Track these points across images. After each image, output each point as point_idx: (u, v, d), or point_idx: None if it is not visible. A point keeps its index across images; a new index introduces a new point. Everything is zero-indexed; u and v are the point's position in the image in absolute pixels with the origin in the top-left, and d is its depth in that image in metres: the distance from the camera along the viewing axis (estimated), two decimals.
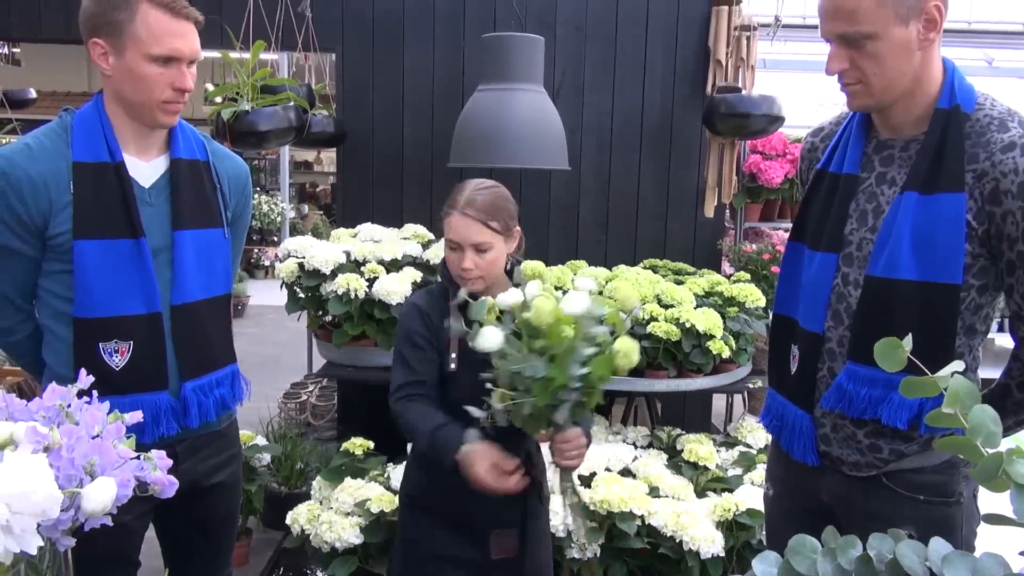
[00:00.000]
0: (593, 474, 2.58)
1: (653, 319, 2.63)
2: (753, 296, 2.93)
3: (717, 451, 2.84)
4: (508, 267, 1.74)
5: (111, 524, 0.95)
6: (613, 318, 1.44)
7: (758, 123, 3.23)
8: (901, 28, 1.25)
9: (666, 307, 2.70)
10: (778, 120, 3.27)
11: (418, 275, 2.94)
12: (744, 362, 2.88)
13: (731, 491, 2.58)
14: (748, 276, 3.29)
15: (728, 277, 3.25)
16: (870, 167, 1.39)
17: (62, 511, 0.86)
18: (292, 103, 3.02)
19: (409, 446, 1.82)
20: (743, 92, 3.34)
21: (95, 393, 1.04)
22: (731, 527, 2.43)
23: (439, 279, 1.78)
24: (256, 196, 10.19)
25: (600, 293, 1.57)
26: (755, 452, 2.89)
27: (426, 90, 3.64)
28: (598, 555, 2.40)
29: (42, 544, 0.83)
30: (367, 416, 3.21)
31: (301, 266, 2.94)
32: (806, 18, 4.94)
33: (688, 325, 2.64)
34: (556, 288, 2.86)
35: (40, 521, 0.81)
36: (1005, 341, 5.01)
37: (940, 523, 1.36)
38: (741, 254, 3.61)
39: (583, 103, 3.65)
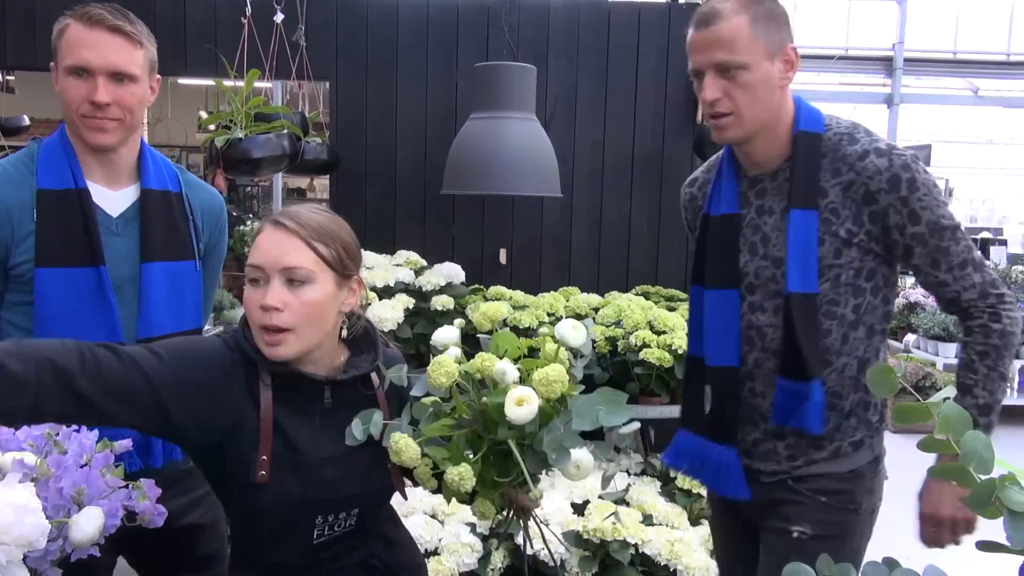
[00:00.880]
0: (587, 502, 2.56)
1: (646, 345, 2.63)
2: None
3: None
4: (351, 333, 1.28)
5: (98, 555, 0.93)
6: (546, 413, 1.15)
7: None
8: (768, 63, 1.39)
9: (659, 333, 2.70)
10: None
11: (411, 302, 2.93)
12: None
13: None
14: None
15: None
16: (747, 203, 1.50)
17: (49, 541, 0.85)
18: (286, 131, 3.04)
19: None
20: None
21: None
22: None
23: (234, 348, 1.20)
24: (249, 223, 10.20)
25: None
26: None
27: (419, 118, 3.67)
28: None
29: None
30: None
31: None
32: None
33: (681, 351, 2.64)
34: (547, 315, 2.87)
35: (27, 552, 0.80)
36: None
37: (837, 527, 1.48)
38: None
39: (575, 131, 3.68)
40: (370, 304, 2.84)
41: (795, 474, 1.50)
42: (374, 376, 1.25)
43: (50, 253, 1.43)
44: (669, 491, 2.76)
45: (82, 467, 0.94)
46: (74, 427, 1.02)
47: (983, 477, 0.73)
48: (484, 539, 2.38)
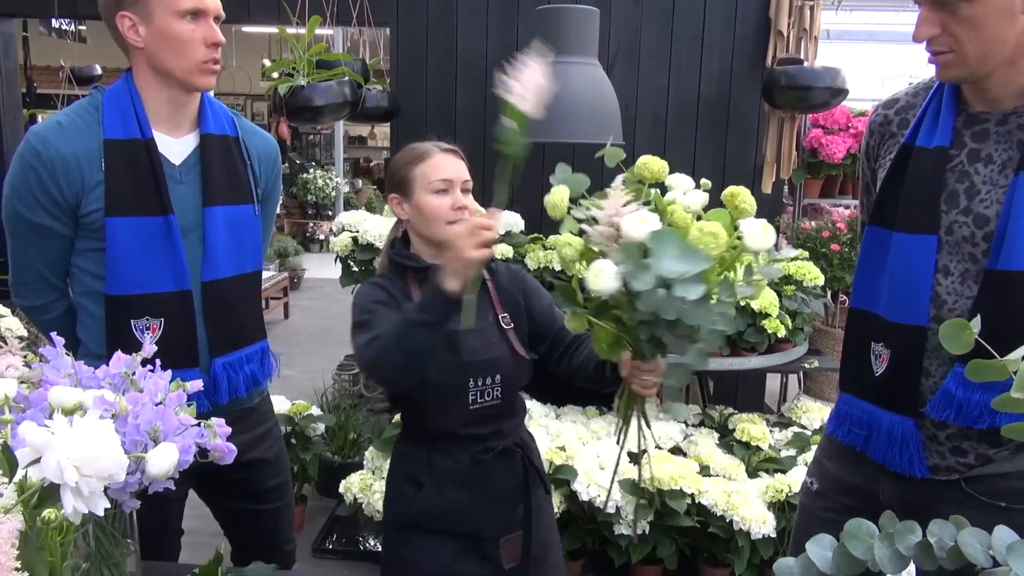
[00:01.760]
0: (643, 451, 2.57)
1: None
2: (811, 274, 2.87)
3: (770, 431, 2.81)
4: None
5: (173, 488, 0.98)
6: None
7: (820, 96, 3.13)
8: None
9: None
10: (841, 93, 3.17)
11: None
12: (800, 342, 2.83)
13: (784, 472, 2.55)
14: (807, 254, 3.21)
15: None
16: (960, 143, 1.25)
17: (128, 475, 0.90)
18: (347, 78, 3.04)
19: (388, 464, 1.64)
20: (805, 64, 3.24)
21: (159, 361, 1.08)
22: (783, 508, 2.40)
23: (389, 271, 1.56)
24: (311, 171, 10.35)
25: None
26: (809, 433, 2.84)
27: (479, 64, 3.63)
28: (647, 532, 2.40)
29: (109, 506, 0.86)
30: None
31: (355, 240, 2.97)
32: None
33: (742, 303, 2.60)
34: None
35: (107, 484, 0.85)
36: None
37: (1020, 531, 1.29)
38: (800, 231, 3.52)
39: (638, 76, 3.59)
40: None
41: (969, 475, 1.26)
42: (487, 274, 1.57)
43: (120, 202, 1.47)
44: (727, 443, 2.75)
45: (157, 405, 0.98)
46: (148, 367, 1.06)
47: None
48: None
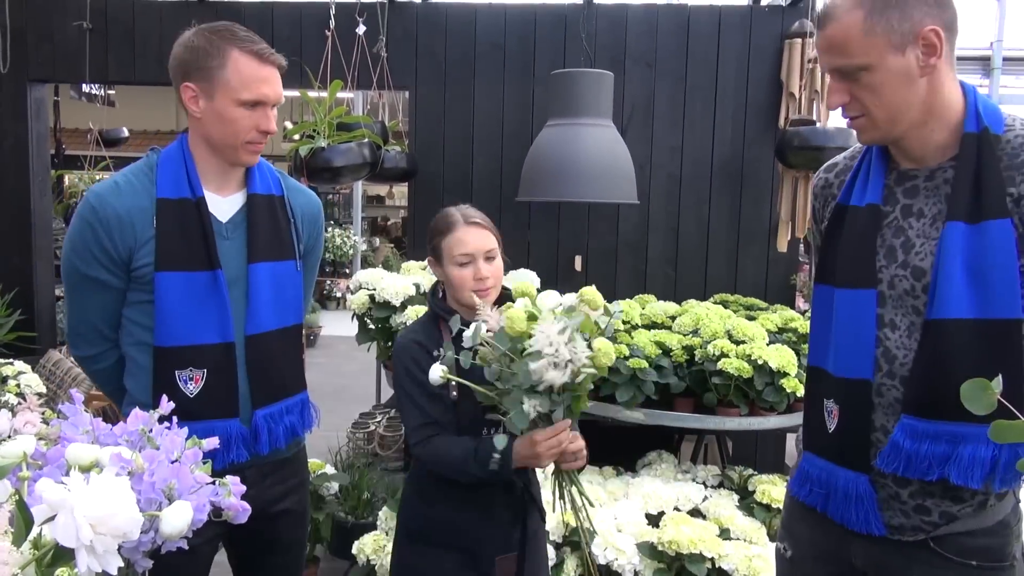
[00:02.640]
0: (661, 513, 2.52)
1: (724, 355, 2.58)
2: None
3: None
4: None
5: (187, 547, 0.97)
6: (587, 326, 1.49)
7: (832, 156, 3.14)
8: (897, 57, 1.19)
9: (737, 343, 2.64)
10: None
11: None
12: None
13: None
14: None
15: (803, 313, 3.16)
16: (893, 199, 1.30)
17: (142, 533, 0.89)
18: (366, 139, 3.11)
19: (406, 482, 1.83)
20: (817, 125, 3.28)
21: (175, 419, 1.08)
22: None
23: (429, 313, 1.76)
24: (329, 229, 10.49)
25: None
26: None
27: (496, 126, 3.70)
28: None
29: (122, 565, 0.85)
30: None
31: (372, 298, 2.99)
32: None
33: (760, 362, 2.57)
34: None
35: (121, 543, 0.84)
36: None
37: None
38: None
39: (652, 137, 3.64)
40: None
41: (935, 534, 1.26)
42: None
43: (169, 257, 1.54)
44: (747, 505, 2.69)
45: (173, 463, 0.98)
46: (166, 424, 1.07)
47: None
48: (557, 547, 2.38)
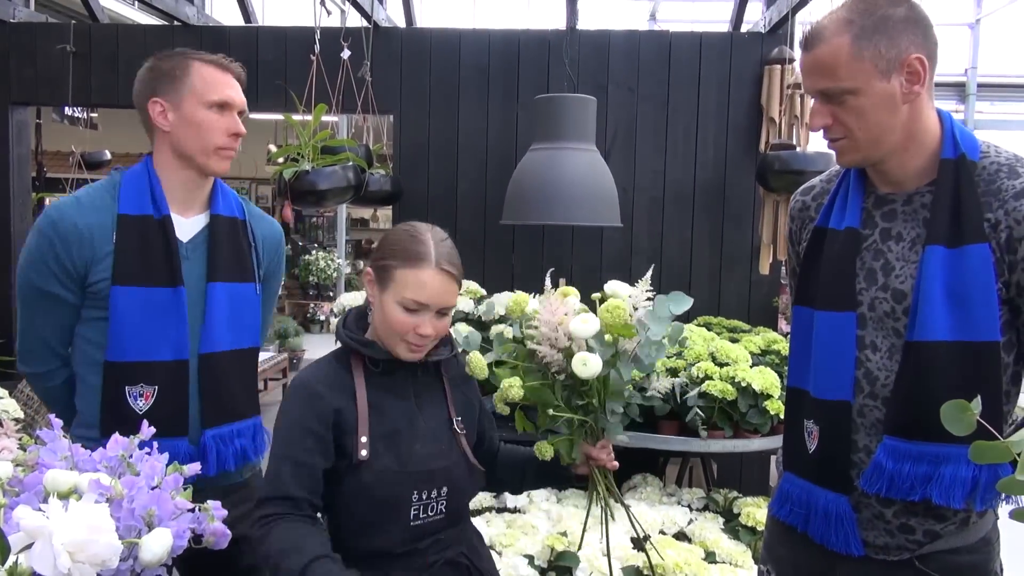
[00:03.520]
0: (646, 537, 2.51)
1: (708, 377, 2.59)
2: None
3: None
4: None
5: (166, 575, 0.96)
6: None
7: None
8: (883, 82, 1.21)
9: (721, 365, 2.65)
10: None
11: (469, 330, 2.95)
12: None
13: None
14: None
15: (785, 335, 3.18)
16: (872, 223, 1.32)
17: (121, 561, 0.88)
18: (351, 163, 3.12)
19: None
20: (797, 149, 3.32)
21: (155, 444, 1.07)
22: None
23: (338, 347, 1.45)
24: (313, 252, 10.46)
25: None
26: None
27: (480, 149, 3.72)
28: None
29: None
30: None
31: None
32: None
33: (744, 384, 2.58)
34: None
35: (100, 570, 0.83)
36: None
37: None
38: None
39: (635, 161, 3.68)
40: None
41: (919, 552, 1.27)
42: (444, 367, 1.50)
43: (127, 272, 1.54)
44: (732, 527, 2.69)
45: (153, 489, 0.97)
46: (146, 450, 1.05)
47: None
48: (542, 572, 2.36)
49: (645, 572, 2.29)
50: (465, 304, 3.08)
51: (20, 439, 1.35)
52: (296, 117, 3.21)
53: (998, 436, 0.77)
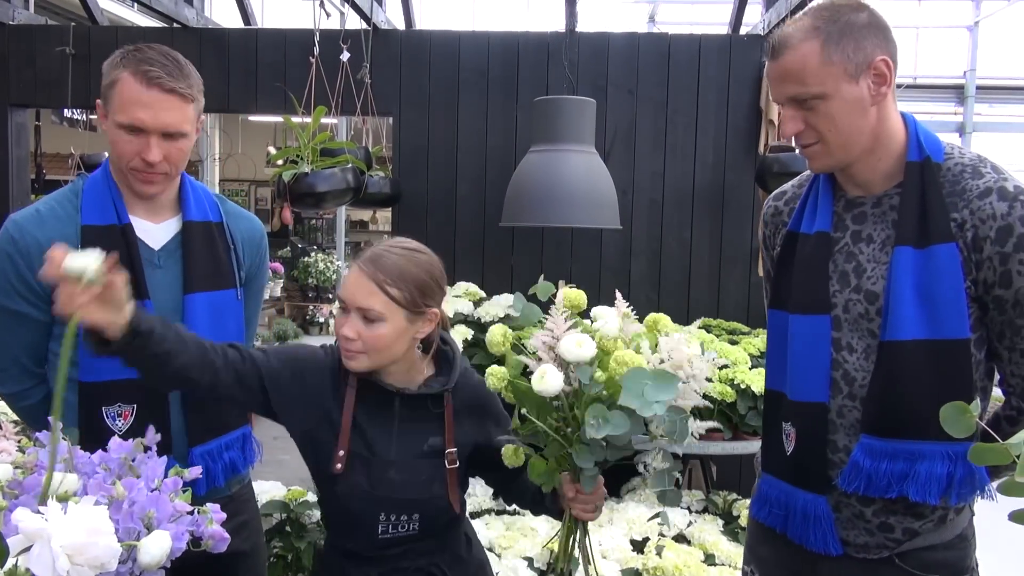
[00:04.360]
0: (646, 539, 2.51)
1: (707, 380, 2.59)
2: None
3: None
4: (433, 350, 1.45)
5: None
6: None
7: None
8: (851, 85, 1.24)
9: (720, 367, 2.65)
10: None
11: (469, 333, 2.95)
12: None
13: None
14: None
15: None
16: (842, 226, 1.35)
17: (119, 563, 0.88)
18: (350, 165, 3.12)
19: None
20: (796, 151, 3.32)
21: (155, 447, 1.07)
22: None
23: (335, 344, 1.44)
24: (312, 254, 10.46)
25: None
26: None
27: (479, 151, 3.72)
28: None
29: None
30: None
31: None
32: None
33: (743, 386, 2.59)
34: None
35: (99, 573, 0.83)
36: None
37: None
38: None
39: (634, 163, 3.68)
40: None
41: (899, 550, 1.30)
42: (448, 396, 1.41)
43: None
44: (732, 530, 2.69)
45: (152, 491, 0.97)
46: (147, 454, 1.05)
47: None
48: (541, 574, 2.35)
49: (644, 574, 2.29)
50: (464, 306, 3.08)
51: (19, 441, 1.35)
52: (295, 119, 3.21)
53: (997, 438, 0.77)
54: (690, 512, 2.81)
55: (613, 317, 1.33)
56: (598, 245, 3.70)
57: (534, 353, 1.31)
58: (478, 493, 2.74)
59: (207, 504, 1.02)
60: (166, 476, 1.03)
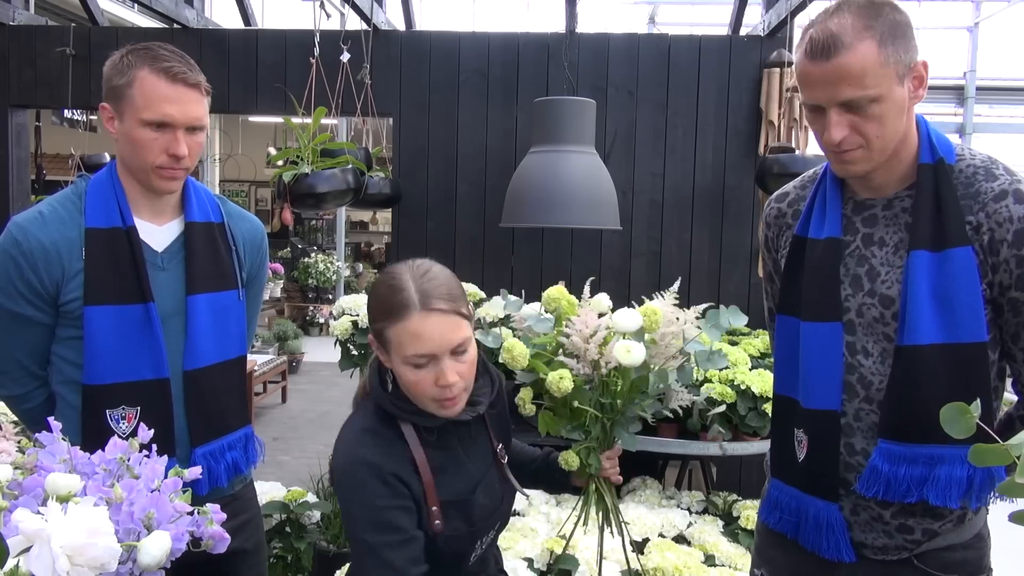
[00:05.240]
0: (646, 540, 2.51)
1: (707, 380, 2.59)
2: None
3: None
4: None
5: None
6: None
7: None
8: (899, 88, 1.20)
9: (720, 368, 2.65)
10: None
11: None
12: None
13: None
14: None
15: None
16: (852, 229, 1.32)
17: (119, 564, 0.88)
18: (350, 166, 3.12)
19: None
20: (796, 152, 3.32)
21: (155, 447, 1.07)
22: None
23: (378, 410, 1.29)
24: (313, 255, 10.46)
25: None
26: None
27: (480, 152, 3.72)
28: None
29: None
30: None
31: (355, 324, 2.98)
32: None
33: (743, 387, 2.58)
34: None
35: (98, 574, 0.83)
36: None
37: None
38: None
39: (634, 164, 3.68)
40: None
41: (918, 551, 1.29)
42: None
43: (99, 291, 1.46)
44: (732, 530, 2.68)
45: (152, 492, 0.97)
46: (145, 452, 1.05)
47: None
48: (542, 575, 2.35)
49: (644, 575, 2.28)
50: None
51: (19, 442, 1.35)
52: (296, 120, 3.21)
53: (997, 438, 0.77)
54: (690, 513, 2.81)
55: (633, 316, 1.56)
56: (598, 246, 3.70)
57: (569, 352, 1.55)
58: None
59: (207, 504, 1.01)
60: (166, 477, 1.02)
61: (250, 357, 1.93)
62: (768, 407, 2.60)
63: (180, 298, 1.53)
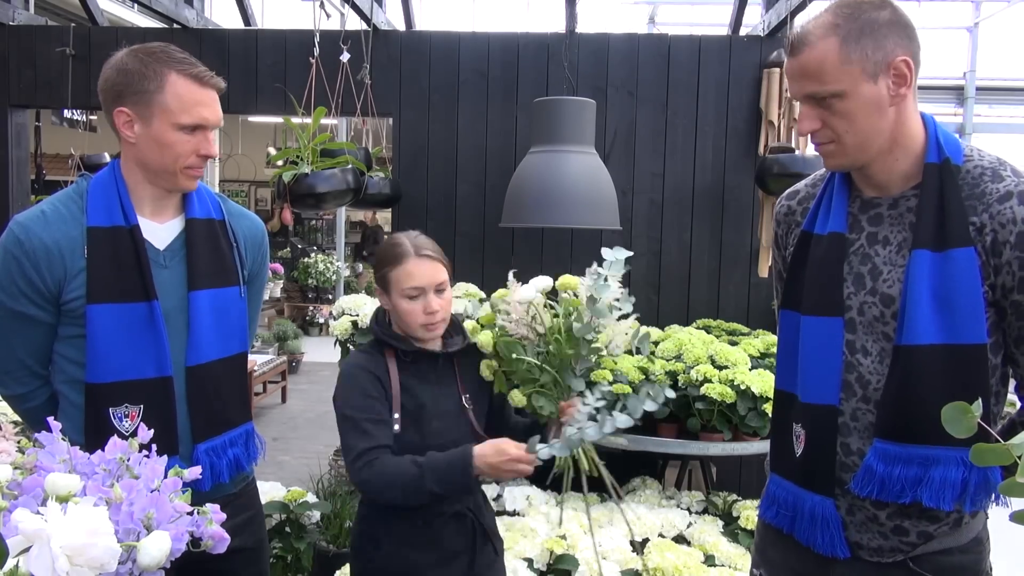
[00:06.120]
0: (646, 540, 2.51)
1: (707, 380, 2.59)
2: None
3: None
4: None
5: None
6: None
7: None
8: (870, 85, 1.21)
9: (720, 368, 2.65)
10: None
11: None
12: None
13: None
14: None
15: None
16: (858, 227, 1.33)
17: (119, 564, 0.88)
18: (350, 166, 3.12)
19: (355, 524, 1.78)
20: (796, 152, 3.32)
21: (154, 447, 1.07)
22: None
23: (373, 340, 1.75)
24: (312, 255, 10.47)
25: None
26: None
27: (479, 152, 3.72)
28: None
29: None
30: None
31: (355, 324, 2.98)
32: None
33: (743, 387, 2.58)
34: None
35: (98, 574, 0.82)
36: None
37: None
38: None
39: (634, 164, 3.68)
40: None
41: (913, 554, 1.28)
42: (455, 357, 1.77)
43: (101, 289, 1.46)
44: (732, 530, 2.68)
45: (152, 492, 0.97)
46: (145, 452, 1.05)
47: None
48: (542, 574, 2.35)
49: (644, 575, 2.29)
50: (463, 306, 3.07)
51: (19, 442, 1.35)
52: (295, 120, 3.21)
53: (998, 438, 0.77)
54: (690, 513, 2.81)
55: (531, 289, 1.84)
56: (598, 246, 3.68)
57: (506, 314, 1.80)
58: None
59: (207, 504, 1.01)
60: (166, 476, 1.02)
61: (250, 357, 1.94)
62: (768, 407, 2.60)
63: (182, 295, 1.54)
